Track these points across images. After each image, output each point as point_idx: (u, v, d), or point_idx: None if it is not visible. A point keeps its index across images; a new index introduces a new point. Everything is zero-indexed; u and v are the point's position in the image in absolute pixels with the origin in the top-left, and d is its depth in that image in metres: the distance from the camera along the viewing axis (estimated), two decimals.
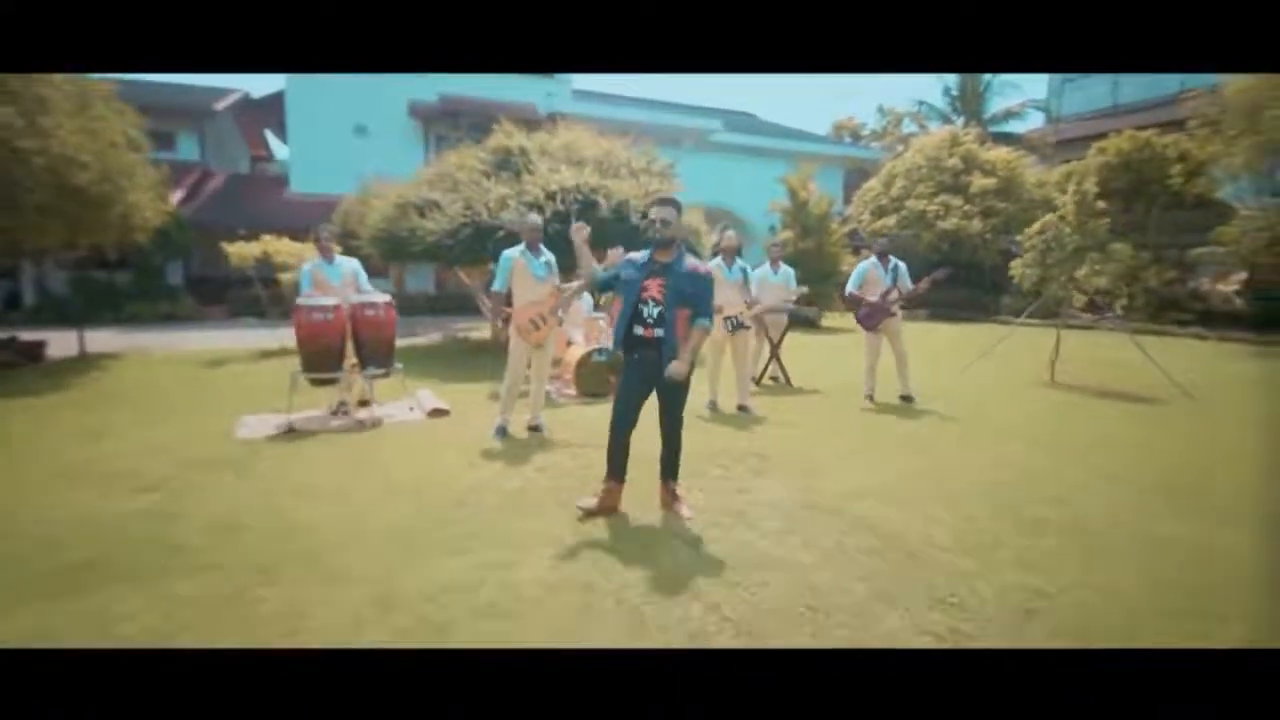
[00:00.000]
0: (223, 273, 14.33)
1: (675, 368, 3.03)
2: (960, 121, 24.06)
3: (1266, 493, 3.77)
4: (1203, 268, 14.86)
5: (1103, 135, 16.23)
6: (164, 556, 2.74)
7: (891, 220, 18.23)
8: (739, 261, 5.75)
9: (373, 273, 5.85)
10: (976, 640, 2.18)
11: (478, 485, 3.69)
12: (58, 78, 7.19)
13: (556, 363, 6.50)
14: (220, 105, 18.75)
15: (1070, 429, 5.26)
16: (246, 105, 20.08)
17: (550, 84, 20.08)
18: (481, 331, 12.24)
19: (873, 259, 6.27)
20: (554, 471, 3.96)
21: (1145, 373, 7.10)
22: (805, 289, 7.12)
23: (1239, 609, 2.40)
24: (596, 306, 7.70)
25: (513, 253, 4.69)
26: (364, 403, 5.47)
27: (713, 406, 5.75)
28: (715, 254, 5.92)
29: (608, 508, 3.28)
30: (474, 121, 17.83)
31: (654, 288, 3.13)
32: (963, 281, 17.69)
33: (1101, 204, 8.42)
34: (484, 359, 8.63)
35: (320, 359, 4.89)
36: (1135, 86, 20.71)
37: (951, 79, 25.48)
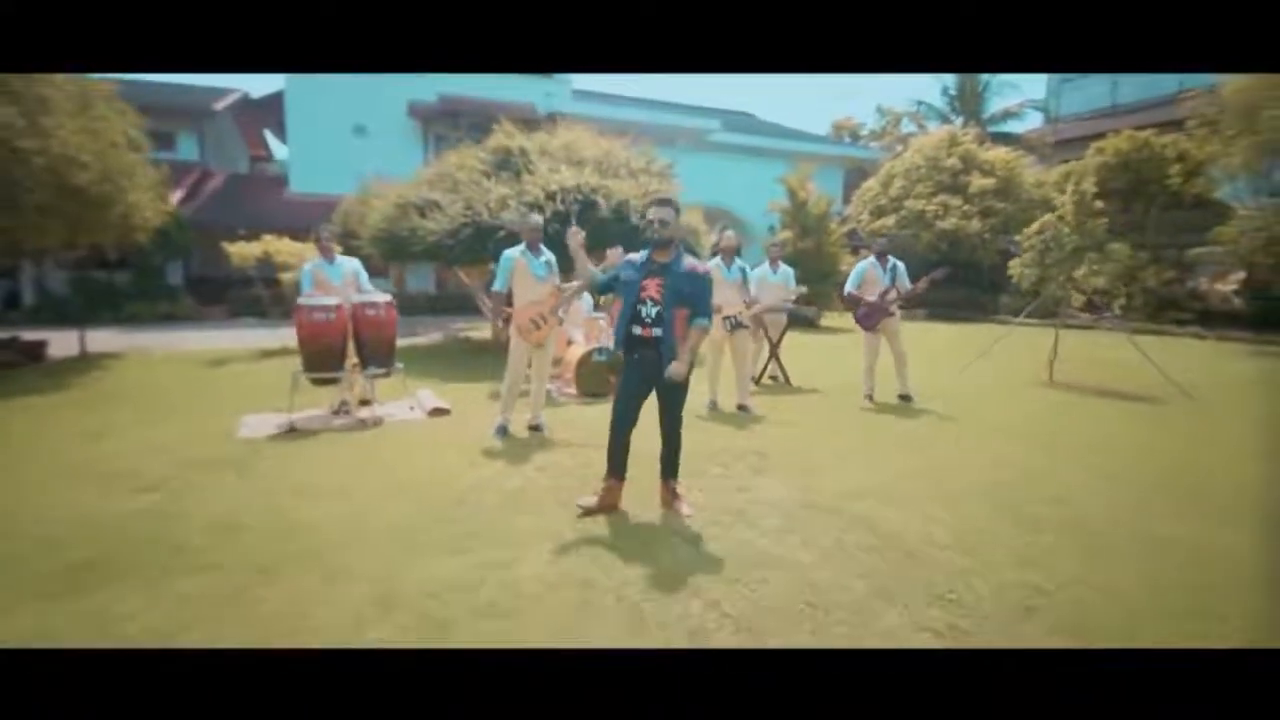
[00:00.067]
0: (223, 273, 14.34)
1: (675, 368, 3.04)
2: (959, 121, 24.09)
3: (1265, 492, 3.78)
4: (1201, 267, 14.90)
5: (1101, 135, 16.27)
6: (166, 555, 2.75)
7: (890, 220, 18.26)
8: (738, 261, 5.76)
9: (373, 272, 5.86)
10: (974, 636, 2.19)
11: (478, 484, 3.70)
12: (59, 78, 7.19)
13: (557, 362, 6.51)
14: (220, 105, 18.75)
15: (1068, 428, 5.27)
16: (246, 105, 20.09)
17: (549, 84, 20.09)
18: (482, 331, 12.25)
19: (871, 259, 6.28)
20: (554, 470, 3.97)
21: (1143, 372, 7.11)
22: (804, 289, 7.14)
23: (1237, 608, 2.41)
24: (596, 306, 7.71)
25: (513, 253, 4.70)
26: (365, 402, 5.48)
27: (712, 406, 5.76)
28: (714, 254, 5.93)
29: (608, 506, 3.29)
30: (473, 121, 17.84)
31: (652, 288, 3.15)
32: (961, 281, 17.72)
33: (1099, 204, 8.46)
34: (485, 359, 8.64)
35: (322, 358, 4.89)
36: (1134, 87, 20.77)
37: (950, 79, 25.55)
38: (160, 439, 4.61)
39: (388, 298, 5.27)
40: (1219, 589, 2.55)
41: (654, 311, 3.13)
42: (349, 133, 18.35)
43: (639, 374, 3.21)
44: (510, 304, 4.78)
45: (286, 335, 9.63)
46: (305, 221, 13.54)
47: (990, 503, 3.48)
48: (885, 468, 4.10)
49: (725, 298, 5.59)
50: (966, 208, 17.29)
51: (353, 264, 5.66)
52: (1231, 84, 11.60)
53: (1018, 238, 9.15)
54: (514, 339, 4.74)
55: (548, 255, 4.80)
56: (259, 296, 12.79)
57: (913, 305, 16.55)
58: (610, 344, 3.43)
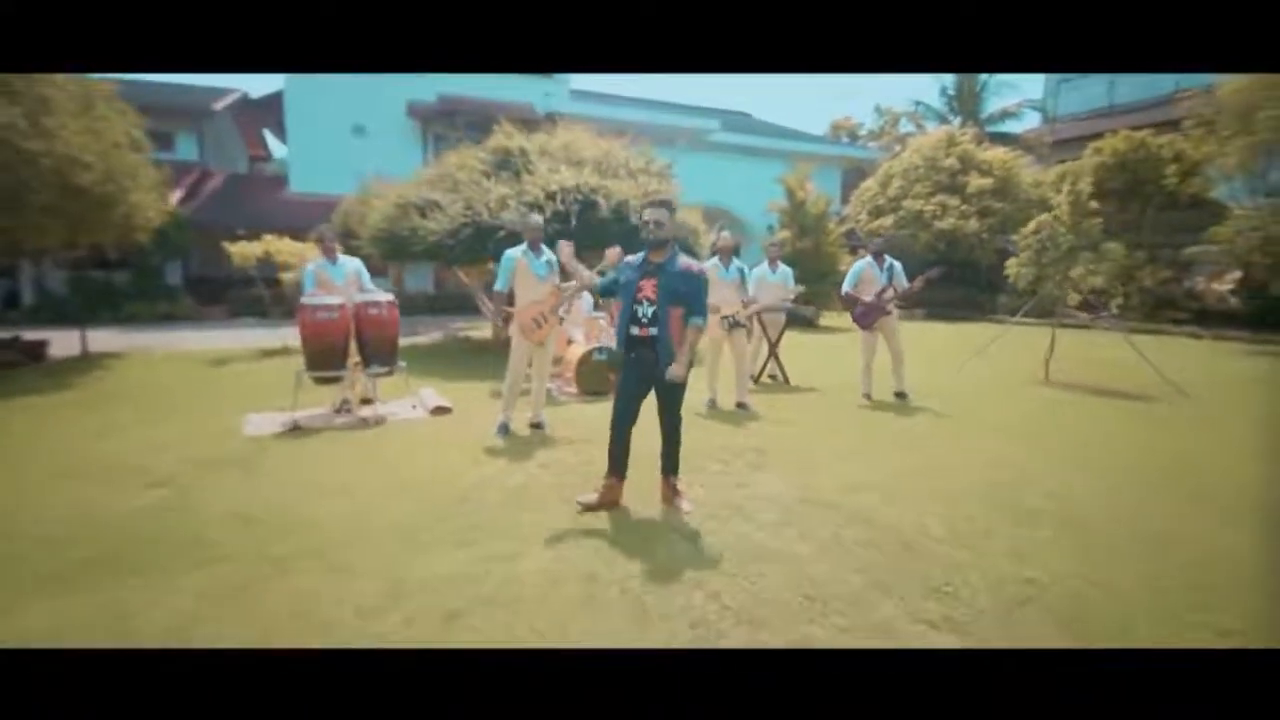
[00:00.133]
0: (222, 273, 14.36)
1: (674, 371, 3.12)
2: (957, 122, 24.15)
3: (1261, 490, 3.82)
4: (1197, 267, 14.97)
5: (1099, 135, 16.33)
6: (177, 550, 2.80)
7: (889, 220, 18.32)
8: (735, 262, 5.82)
9: (372, 272, 5.90)
10: (969, 626, 2.24)
11: (481, 481, 3.75)
12: (61, 78, 7.23)
13: (557, 361, 6.56)
14: (219, 105, 18.77)
15: (1064, 426, 5.33)
16: (245, 105, 20.12)
17: (548, 84, 20.13)
18: (482, 331, 12.29)
19: (868, 259, 6.34)
20: (556, 468, 4.02)
21: (1139, 371, 7.17)
22: (802, 288, 7.19)
23: (1229, 602, 2.44)
24: (596, 306, 7.76)
25: (515, 253, 4.75)
26: (366, 401, 5.53)
27: (711, 404, 5.81)
28: (713, 254, 5.99)
29: (608, 503, 3.34)
30: (471, 121, 17.89)
31: (648, 288, 3.22)
32: (959, 281, 17.79)
33: (1095, 204, 8.50)
34: (485, 358, 8.69)
35: (325, 357, 4.94)
36: (1131, 86, 20.83)
37: (948, 79, 25.62)
38: (165, 437, 4.66)
39: (390, 297, 5.32)
40: (1213, 581, 2.59)
41: (650, 311, 3.20)
42: (348, 133, 18.39)
43: (637, 373, 3.28)
44: (511, 303, 4.84)
45: (287, 335, 9.68)
46: (305, 221, 13.58)
47: (986, 498, 3.54)
48: (883, 465, 4.15)
49: (723, 297, 5.65)
50: (964, 208, 17.36)
51: (354, 264, 5.70)
52: (1227, 84, 11.67)
53: (1014, 237, 9.20)
54: (515, 338, 4.79)
55: (548, 255, 4.85)
56: (260, 296, 12.81)
57: (911, 305, 16.62)
58: (611, 343, 3.49)
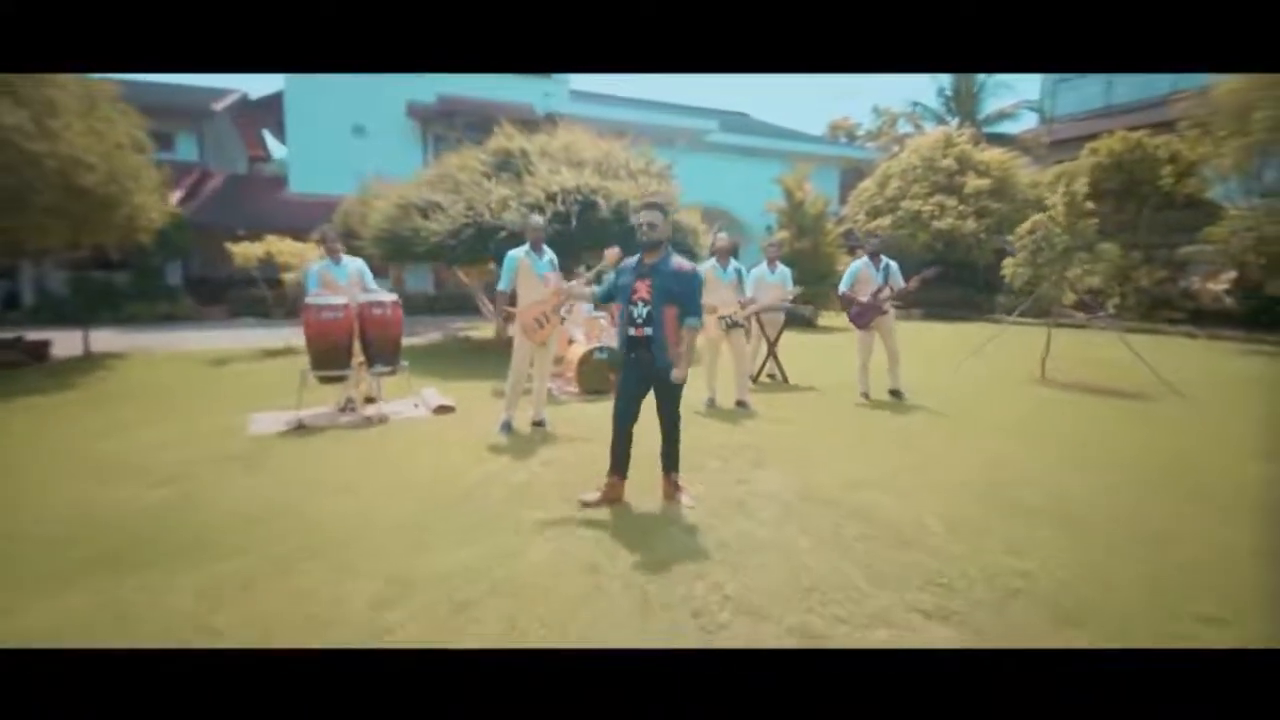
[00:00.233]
0: (223, 273, 14.41)
1: (676, 375, 3.22)
2: (954, 122, 24.24)
3: (1257, 488, 3.87)
4: (1193, 267, 15.05)
5: (1096, 136, 16.41)
6: (181, 550, 2.83)
7: (887, 220, 18.40)
8: (733, 263, 5.89)
9: (373, 272, 5.95)
10: (964, 617, 2.31)
11: (485, 479, 3.81)
12: (65, 79, 7.28)
13: (558, 361, 6.62)
14: (218, 106, 18.81)
15: (1060, 424, 5.40)
16: (244, 106, 20.16)
17: (548, 84, 20.20)
18: (482, 331, 12.35)
19: (865, 259, 6.40)
20: (559, 465, 4.08)
21: (1135, 370, 7.24)
22: (800, 289, 7.25)
23: (1224, 597, 2.49)
24: (596, 306, 7.81)
25: (517, 253, 4.81)
26: (370, 400, 5.58)
27: (710, 403, 5.87)
28: (711, 255, 6.05)
29: (610, 501, 3.41)
30: (470, 121, 17.96)
31: (643, 289, 3.29)
32: (956, 281, 17.88)
33: (1090, 204, 8.56)
34: (486, 358, 8.75)
35: (329, 357, 5.00)
36: (1128, 87, 20.92)
37: (946, 80, 25.72)
38: (170, 437, 4.71)
39: (394, 297, 5.38)
40: (1211, 578, 2.63)
41: (644, 312, 3.27)
42: (348, 133, 18.45)
43: (636, 373, 3.36)
44: (514, 304, 4.90)
45: (288, 335, 9.73)
46: (305, 222, 13.66)
47: (981, 494, 3.60)
48: (880, 462, 4.22)
49: (721, 298, 5.73)
50: (962, 208, 17.45)
51: (357, 264, 5.75)
52: (1223, 85, 11.74)
53: (1010, 237, 9.28)
54: (518, 338, 4.85)
55: (550, 255, 4.91)
56: (262, 297, 12.87)
57: (909, 305, 16.72)
58: (611, 342, 3.54)
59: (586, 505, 3.37)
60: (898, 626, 2.25)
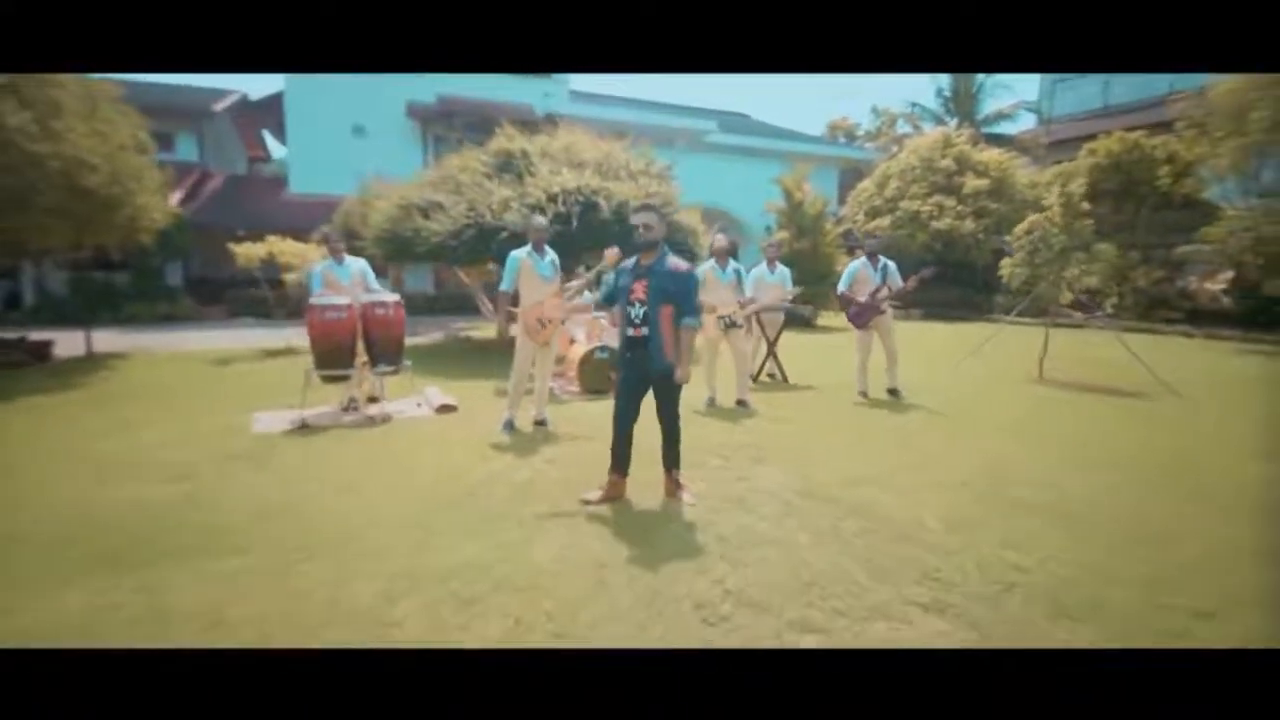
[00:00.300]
0: (223, 273, 14.43)
1: (678, 375, 3.28)
2: (953, 123, 24.31)
3: (1253, 486, 3.91)
4: (1190, 267, 15.12)
5: (1094, 136, 16.48)
6: (186, 548, 2.87)
7: (886, 221, 18.46)
8: (732, 263, 5.94)
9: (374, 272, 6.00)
10: (960, 609, 2.36)
11: (489, 477, 3.86)
12: (68, 80, 7.32)
13: (560, 360, 6.67)
14: (218, 106, 18.86)
15: (1056, 423, 5.45)
16: (244, 106, 20.21)
17: (547, 84, 20.25)
18: (484, 331, 12.40)
19: (863, 259, 6.46)
20: (562, 463, 4.13)
21: (1132, 370, 7.30)
22: (800, 289, 7.31)
23: (1222, 595, 2.53)
24: (597, 306, 7.86)
25: (519, 254, 4.86)
26: (373, 399, 5.63)
27: (710, 402, 5.92)
28: (710, 256, 6.11)
29: (612, 499, 3.46)
30: (469, 122, 18.01)
31: (639, 290, 3.35)
32: (955, 281, 17.95)
33: (1086, 205, 8.63)
34: (488, 357, 8.80)
35: (333, 356, 5.04)
36: (1126, 87, 20.97)
37: (945, 80, 25.80)
38: (172, 436, 4.75)
39: (396, 297, 5.42)
40: (1209, 577, 2.66)
41: (641, 312, 3.33)
42: (348, 133, 18.48)
43: (635, 372, 3.42)
44: (516, 304, 4.95)
45: (290, 335, 9.78)
46: (305, 222, 13.70)
47: (979, 491, 3.66)
48: (879, 460, 4.27)
49: (720, 298, 5.78)
50: (960, 208, 17.52)
51: (360, 264, 5.80)
52: (1220, 86, 11.80)
53: (1008, 238, 9.34)
54: (520, 337, 4.90)
55: (552, 256, 4.96)
56: (263, 298, 12.90)
57: (908, 305, 16.77)
58: (612, 342, 3.59)
59: (588, 504, 3.42)
60: (896, 619, 2.30)
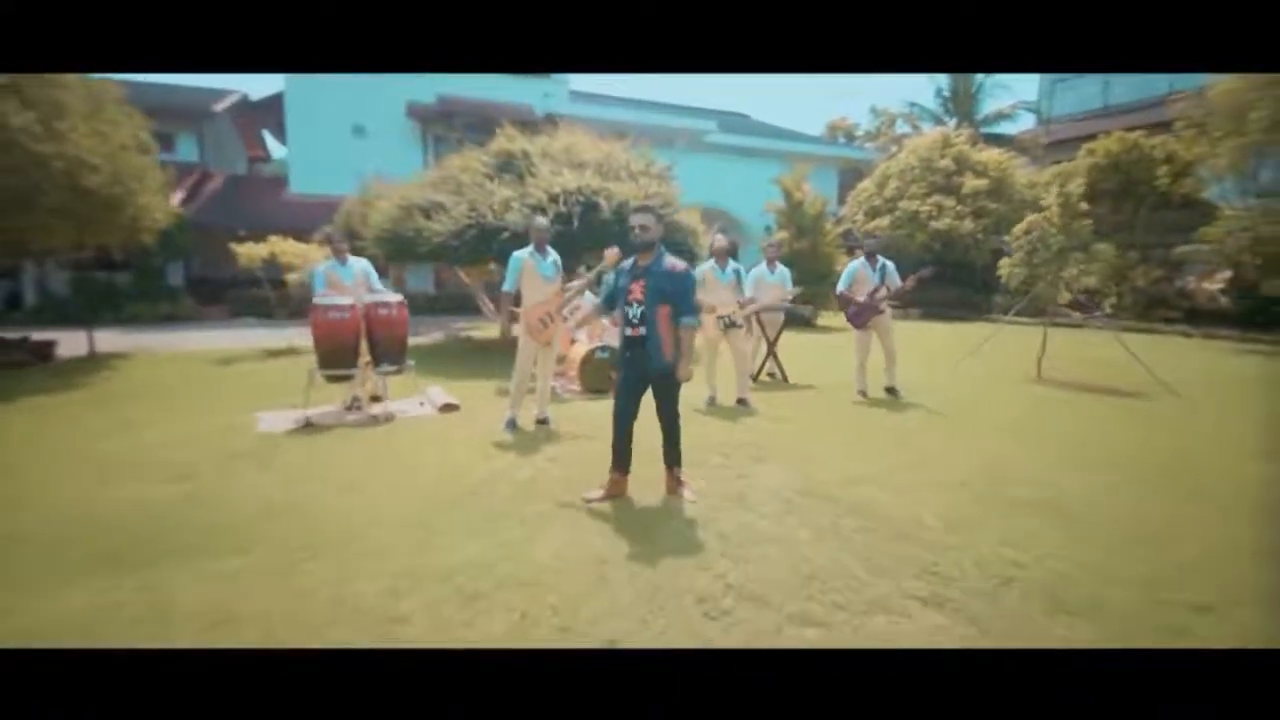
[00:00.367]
0: (225, 273, 14.44)
1: (679, 374, 3.32)
2: (952, 123, 24.35)
3: (1251, 485, 3.93)
4: (1189, 266, 15.15)
5: (1093, 136, 16.51)
6: (191, 547, 2.88)
7: (885, 221, 18.50)
8: (732, 263, 5.97)
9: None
10: (958, 604, 2.38)
11: (492, 475, 3.88)
12: (71, 81, 7.33)
13: (561, 360, 6.69)
14: (219, 107, 18.88)
15: (1055, 422, 5.48)
16: (244, 107, 20.23)
17: (547, 84, 20.28)
18: (485, 331, 12.41)
19: (862, 259, 6.49)
20: (564, 461, 4.16)
21: (1130, 369, 7.33)
22: (800, 289, 7.33)
23: (1220, 594, 2.55)
24: (599, 311, 7.89)
25: (521, 254, 4.88)
26: (376, 398, 5.65)
27: (711, 402, 5.94)
28: (710, 256, 6.13)
29: (613, 497, 3.48)
30: (469, 122, 18.03)
31: (637, 290, 3.39)
32: (954, 281, 17.98)
33: (1086, 205, 8.65)
34: (490, 357, 8.82)
35: (336, 356, 5.06)
36: (1125, 88, 20.99)
37: (944, 80, 25.85)
38: (175, 436, 4.77)
39: (399, 297, 5.45)
40: (1208, 576, 2.67)
41: (639, 312, 3.36)
42: (348, 133, 18.50)
43: (634, 372, 3.45)
44: (518, 304, 4.97)
45: (292, 335, 9.80)
46: (305, 222, 13.72)
47: (977, 489, 3.68)
48: (878, 459, 4.29)
49: (720, 298, 5.80)
50: (960, 208, 17.56)
51: (362, 264, 5.82)
52: (1218, 86, 11.82)
53: (1007, 238, 9.37)
54: (523, 338, 4.92)
55: (554, 256, 4.98)
56: (265, 298, 12.92)
57: (907, 305, 16.81)
58: (613, 342, 3.61)
59: (590, 502, 3.44)
60: (895, 613, 2.33)
